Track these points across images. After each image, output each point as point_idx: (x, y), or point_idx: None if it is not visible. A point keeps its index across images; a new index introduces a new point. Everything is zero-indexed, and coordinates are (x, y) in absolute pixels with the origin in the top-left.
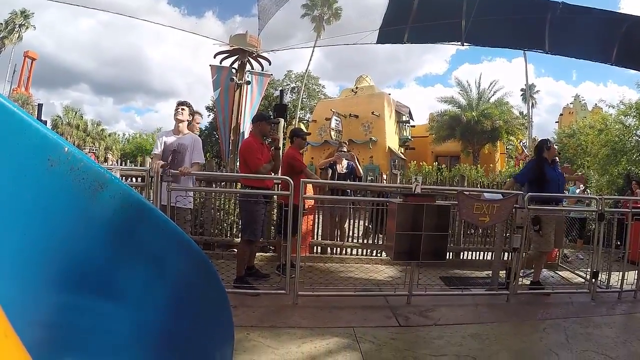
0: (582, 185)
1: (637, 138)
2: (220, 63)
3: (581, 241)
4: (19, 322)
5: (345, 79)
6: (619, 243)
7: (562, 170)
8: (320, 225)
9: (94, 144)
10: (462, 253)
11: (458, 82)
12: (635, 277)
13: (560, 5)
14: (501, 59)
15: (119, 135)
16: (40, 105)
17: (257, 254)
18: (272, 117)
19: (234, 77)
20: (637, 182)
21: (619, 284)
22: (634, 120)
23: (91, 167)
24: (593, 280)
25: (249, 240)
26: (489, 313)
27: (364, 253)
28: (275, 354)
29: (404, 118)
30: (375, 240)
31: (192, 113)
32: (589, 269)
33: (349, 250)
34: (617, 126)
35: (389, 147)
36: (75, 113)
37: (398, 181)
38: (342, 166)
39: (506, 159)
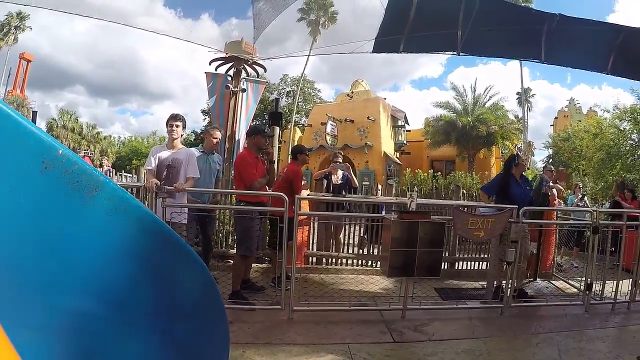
0: (580, 194)
1: (632, 142)
2: (216, 70)
3: (577, 249)
4: (10, 324)
5: (341, 81)
6: (613, 249)
7: (558, 174)
8: (315, 236)
9: (89, 147)
10: (457, 263)
11: (454, 87)
12: (629, 287)
13: (557, 17)
14: (496, 62)
15: (114, 138)
16: (34, 113)
17: (253, 265)
18: (266, 129)
19: (229, 85)
20: (631, 191)
21: (613, 294)
22: (629, 124)
23: (85, 170)
24: (587, 292)
25: (244, 256)
26: (482, 327)
27: (359, 264)
28: None
29: (400, 123)
30: (371, 251)
31: (185, 126)
32: (583, 278)
33: (344, 261)
34: (611, 130)
35: (384, 152)
36: (71, 116)
37: (393, 191)
38: (337, 177)
39: (501, 163)
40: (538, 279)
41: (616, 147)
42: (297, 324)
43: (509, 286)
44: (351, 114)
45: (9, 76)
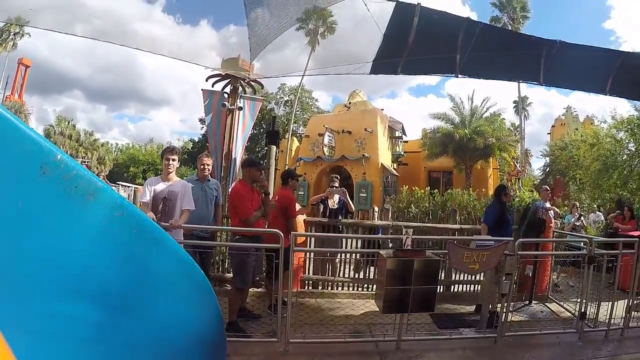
0: (577, 214)
1: (628, 152)
2: (213, 86)
3: (573, 268)
4: (8, 329)
5: (338, 89)
6: (610, 265)
7: (554, 182)
8: (312, 260)
9: (86, 154)
10: (452, 286)
11: (451, 98)
12: (624, 311)
13: (558, 44)
14: None
15: (111, 145)
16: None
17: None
18: (261, 162)
19: (226, 103)
20: (629, 209)
21: (607, 318)
22: (625, 134)
23: (83, 175)
24: (581, 320)
25: (240, 288)
26: (476, 358)
27: (355, 288)
28: None
29: (397, 134)
30: (367, 274)
31: (180, 159)
32: (578, 299)
33: (340, 285)
34: (608, 140)
35: (381, 163)
36: (68, 123)
37: (390, 216)
38: (334, 201)
39: (499, 174)
40: (533, 302)
41: (613, 158)
42: (293, 356)
43: (504, 314)
44: (348, 125)
45: (6, 82)
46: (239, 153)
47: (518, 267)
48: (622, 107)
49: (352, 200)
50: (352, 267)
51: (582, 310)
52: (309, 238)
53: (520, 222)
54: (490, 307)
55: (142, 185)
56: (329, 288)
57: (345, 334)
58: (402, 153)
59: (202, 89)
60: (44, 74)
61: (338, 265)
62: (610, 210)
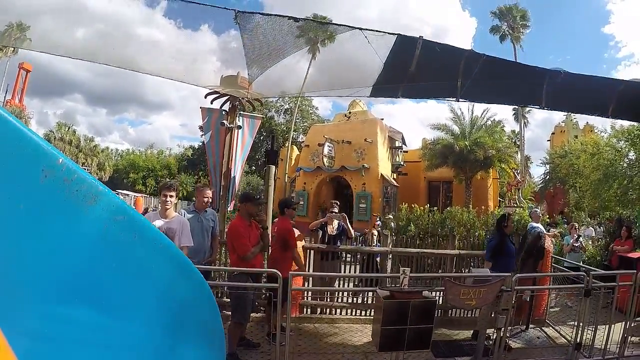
0: (576, 235)
1: (628, 160)
2: (212, 103)
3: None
4: (10, 331)
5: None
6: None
7: (555, 190)
8: (310, 284)
9: (86, 160)
10: (450, 311)
11: (451, 109)
12: (620, 335)
13: (562, 74)
14: None
15: (111, 151)
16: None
17: None
18: (259, 197)
19: (225, 122)
20: (627, 228)
21: (603, 345)
22: (625, 144)
23: (85, 179)
24: (576, 350)
25: (239, 323)
26: None
27: (354, 313)
28: None
29: (397, 144)
30: (365, 300)
31: (178, 195)
32: (575, 322)
33: (339, 309)
34: (607, 149)
35: (381, 174)
36: (69, 128)
37: (389, 241)
38: (333, 227)
39: (499, 183)
40: (530, 326)
41: (613, 168)
42: None
43: (499, 347)
44: (348, 135)
45: (7, 87)
46: (238, 172)
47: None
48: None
49: (351, 210)
50: (350, 292)
51: (578, 340)
52: (307, 259)
53: (519, 248)
54: (487, 332)
55: (142, 192)
56: (328, 313)
57: None
58: (402, 163)
59: (200, 107)
60: (44, 77)
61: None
62: (610, 228)
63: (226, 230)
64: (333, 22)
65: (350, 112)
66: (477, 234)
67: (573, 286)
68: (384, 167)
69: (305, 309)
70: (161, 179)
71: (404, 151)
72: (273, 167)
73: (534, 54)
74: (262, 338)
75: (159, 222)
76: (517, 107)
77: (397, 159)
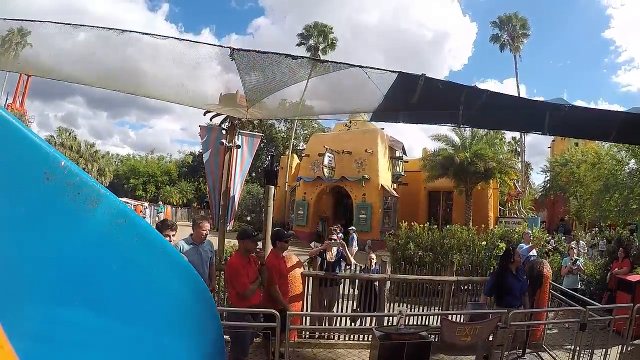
0: (574, 257)
1: (629, 170)
2: (211, 120)
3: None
4: (12, 332)
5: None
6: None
7: (555, 198)
8: (309, 309)
9: (86, 165)
10: None
11: None
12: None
13: (566, 108)
14: (493, 80)
15: (112, 156)
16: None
17: None
18: (256, 232)
19: (224, 141)
20: (624, 249)
21: None
22: (626, 153)
23: (86, 183)
24: None
25: (238, 358)
26: None
27: (352, 338)
28: None
29: (397, 154)
30: (363, 324)
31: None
32: (572, 346)
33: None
34: (608, 159)
35: (381, 185)
36: (69, 134)
37: (388, 267)
38: (332, 254)
39: (499, 194)
40: (527, 351)
41: (614, 178)
42: None
43: None
44: (349, 145)
45: (7, 92)
46: (237, 191)
47: None
48: None
49: (351, 221)
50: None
51: None
52: (306, 289)
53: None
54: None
55: (142, 197)
56: (326, 337)
57: None
58: (402, 173)
59: (199, 125)
60: (46, 80)
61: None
62: (609, 248)
63: (224, 264)
64: (332, 60)
65: (350, 122)
66: (476, 250)
67: (570, 320)
68: (384, 178)
69: (303, 333)
70: (161, 184)
71: (405, 161)
72: (272, 188)
73: (533, 59)
74: None
75: None
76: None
77: (398, 169)
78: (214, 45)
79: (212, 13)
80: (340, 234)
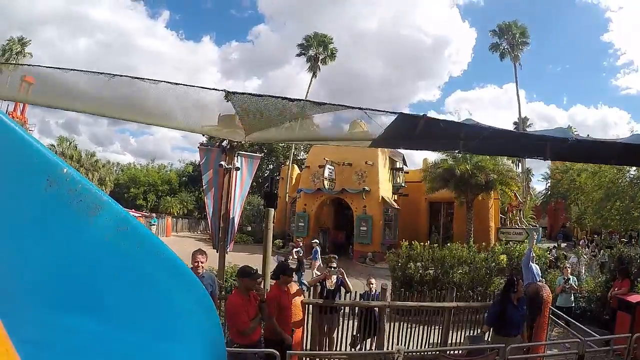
0: (567, 276)
1: (630, 177)
2: (210, 140)
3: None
4: (17, 339)
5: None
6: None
7: (556, 205)
8: (309, 335)
9: (87, 174)
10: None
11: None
12: None
13: (569, 141)
14: (492, 85)
15: (112, 164)
16: None
17: None
18: (255, 271)
19: (223, 163)
20: (623, 269)
21: None
22: None
23: (89, 190)
24: None
25: None
26: None
27: None
28: None
29: (398, 165)
30: (363, 348)
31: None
32: None
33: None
34: (608, 167)
35: (382, 197)
36: (70, 143)
37: (388, 293)
38: (332, 282)
39: (500, 203)
40: None
41: (615, 186)
42: None
43: None
44: (349, 157)
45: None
46: (237, 213)
47: None
48: (622, 115)
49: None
50: (349, 342)
51: None
52: (306, 316)
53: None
54: None
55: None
56: None
57: None
58: (403, 184)
59: (198, 147)
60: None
61: (335, 339)
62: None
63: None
64: (331, 103)
65: (351, 133)
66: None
67: (568, 352)
68: (385, 190)
69: (304, 359)
70: (162, 194)
71: (405, 172)
72: (272, 210)
73: (532, 64)
74: None
75: None
76: (517, 124)
77: (398, 180)
78: (207, 88)
79: (212, 20)
80: (299, 248)
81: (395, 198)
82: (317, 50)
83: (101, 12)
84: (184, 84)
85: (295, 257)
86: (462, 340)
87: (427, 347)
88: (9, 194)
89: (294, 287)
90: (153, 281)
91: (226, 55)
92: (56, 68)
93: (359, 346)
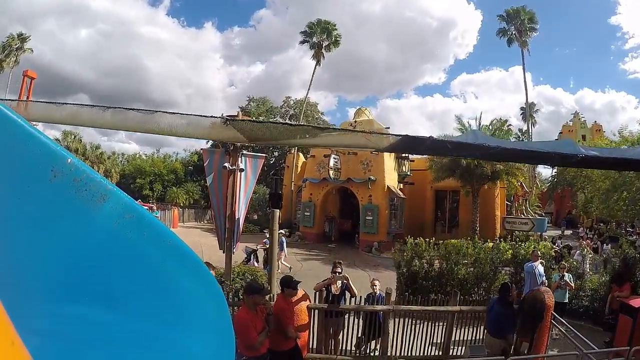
0: (562, 274)
1: None
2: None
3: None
4: (24, 330)
5: (343, 89)
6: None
7: (563, 193)
8: (314, 337)
9: (92, 167)
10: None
11: (458, 120)
12: None
13: (578, 157)
14: (498, 68)
15: (117, 155)
16: None
17: None
18: (263, 287)
19: (227, 164)
20: (619, 276)
21: None
22: None
23: (93, 179)
24: None
25: None
26: None
27: None
28: None
29: (404, 153)
30: (368, 351)
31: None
32: None
33: None
34: None
35: (387, 186)
36: (75, 137)
37: (392, 297)
38: (337, 287)
39: (505, 192)
40: None
41: (622, 178)
42: None
43: None
44: None
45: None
46: (242, 214)
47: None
48: (632, 124)
49: (358, 223)
50: (354, 344)
51: None
52: (311, 318)
53: (519, 309)
54: None
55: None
56: None
57: None
58: (409, 172)
59: (202, 148)
60: (49, 79)
61: (340, 340)
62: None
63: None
64: (334, 127)
65: (356, 121)
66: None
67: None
68: (391, 179)
69: None
70: (168, 184)
71: (411, 160)
72: (277, 211)
73: (539, 47)
74: None
75: None
76: (525, 109)
77: (404, 169)
78: (205, 116)
79: (214, 6)
80: (265, 240)
81: (401, 187)
82: (320, 37)
83: (102, 1)
84: (179, 113)
85: (265, 247)
86: (465, 338)
87: (430, 347)
88: (14, 186)
89: (299, 292)
90: (160, 268)
91: (228, 40)
92: (51, 103)
93: (363, 347)
